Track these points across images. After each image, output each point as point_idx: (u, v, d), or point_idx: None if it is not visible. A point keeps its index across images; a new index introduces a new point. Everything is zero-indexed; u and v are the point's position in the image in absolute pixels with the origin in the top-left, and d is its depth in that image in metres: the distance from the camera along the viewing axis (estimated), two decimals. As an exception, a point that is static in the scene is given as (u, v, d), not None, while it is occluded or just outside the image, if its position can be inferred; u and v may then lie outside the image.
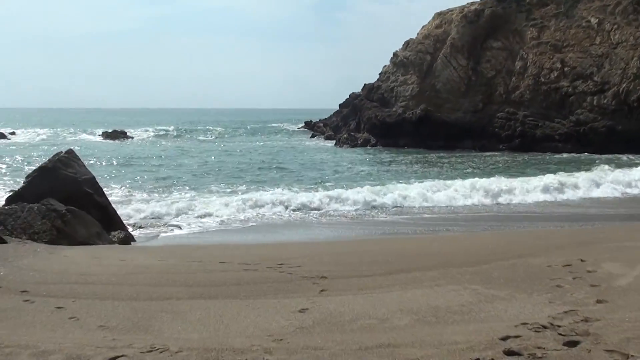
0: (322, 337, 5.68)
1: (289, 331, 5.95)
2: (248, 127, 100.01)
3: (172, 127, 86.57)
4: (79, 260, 10.23)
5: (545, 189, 23.55)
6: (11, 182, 26.38)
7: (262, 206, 20.42)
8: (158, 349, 5.08)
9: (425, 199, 21.78)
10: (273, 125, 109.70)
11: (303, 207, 20.46)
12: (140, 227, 17.13)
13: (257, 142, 62.29)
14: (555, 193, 23.34)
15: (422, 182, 25.41)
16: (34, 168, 17.34)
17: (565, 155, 42.77)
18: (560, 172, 28.20)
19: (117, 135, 67.70)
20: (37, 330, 5.96)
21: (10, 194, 16.10)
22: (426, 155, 44.09)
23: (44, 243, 12.16)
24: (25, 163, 36.53)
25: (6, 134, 67.82)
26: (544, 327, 5.66)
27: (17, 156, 41.63)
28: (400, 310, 6.61)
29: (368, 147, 50.96)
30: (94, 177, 16.55)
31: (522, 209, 20.82)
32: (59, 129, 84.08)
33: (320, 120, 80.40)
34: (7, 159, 39.13)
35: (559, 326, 5.64)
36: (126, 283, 8.24)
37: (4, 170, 32.73)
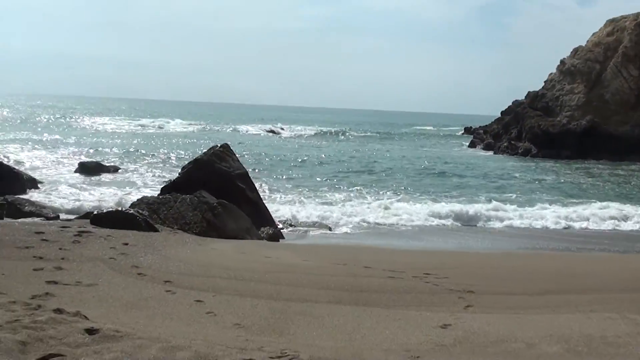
0: (462, 358, 5.24)
1: (427, 348, 5.54)
2: (404, 130, 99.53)
3: (333, 128, 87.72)
4: (225, 254, 10.34)
5: None
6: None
7: (415, 213, 20.05)
8: (288, 355, 4.86)
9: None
10: (431, 128, 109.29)
11: (469, 219, 19.85)
12: (291, 225, 17.23)
13: (422, 148, 61.40)
14: None
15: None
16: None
17: None
18: None
19: (275, 131, 70.01)
20: (173, 323, 5.94)
21: (166, 183, 16.70)
22: (594, 168, 41.54)
23: (194, 234, 12.47)
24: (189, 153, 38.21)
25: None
26: None
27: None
28: (550, 336, 6.04)
29: (528, 157, 48.87)
30: (246, 172, 16.86)
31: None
32: (225, 123, 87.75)
33: (480, 127, 78.56)
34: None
35: None
36: (268, 281, 8.16)
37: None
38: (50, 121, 73.07)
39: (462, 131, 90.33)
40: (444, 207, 20.89)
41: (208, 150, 16.84)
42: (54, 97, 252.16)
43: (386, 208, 20.45)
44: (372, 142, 65.85)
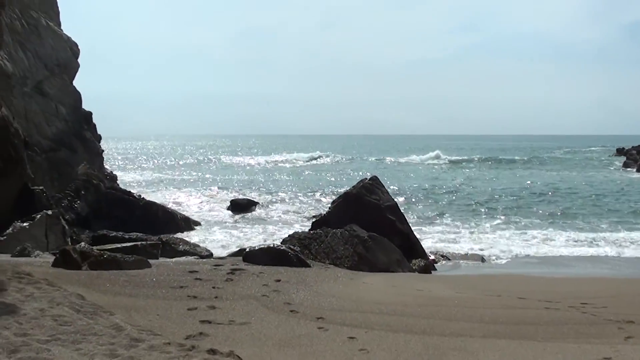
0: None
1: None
2: (554, 154, 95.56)
3: (482, 154, 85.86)
4: (376, 288, 10.19)
5: None
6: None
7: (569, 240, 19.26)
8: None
9: None
10: (581, 150, 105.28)
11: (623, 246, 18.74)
12: (442, 256, 16.88)
13: (572, 171, 58.60)
14: None
15: None
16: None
17: None
18: None
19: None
20: (325, 362, 5.85)
21: (317, 219, 16.89)
22: None
23: (345, 268, 12.42)
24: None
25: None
26: None
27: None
28: None
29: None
30: (396, 204, 16.74)
31: None
32: (375, 154, 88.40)
33: (633, 147, 74.58)
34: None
35: None
36: (420, 315, 7.92)
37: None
38: (204, 159, 76.76)
39: (614, 152, 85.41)
40: (597, 234, 20.38)
41: (357, 184, 16.92)
42: (206, 136, 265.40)
43: (537, 237, 19.99)
44: (523, 167, 63.79)
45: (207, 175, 51.05)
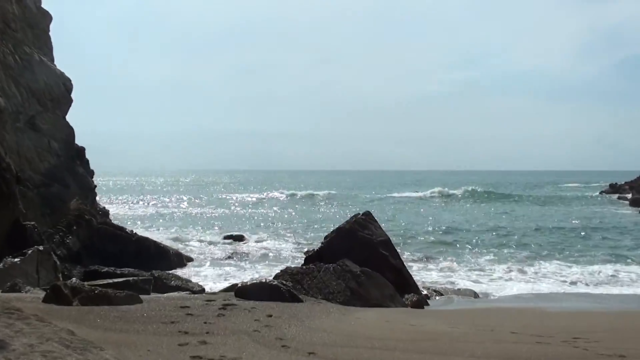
0: None
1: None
2: (547, 190, 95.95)
3: (481, 187, 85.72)
4: (369, 323, 10.20)
5: None
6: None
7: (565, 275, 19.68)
8: None
9: None
10: (575, 185, 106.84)
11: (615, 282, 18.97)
12: (435, 291, 16.89)
13: (567, 206, 58.83)
14: None
15: None
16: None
17: None
18: None
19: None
20: (316, 397, 5.85)
21: (310, 253, 16.92)
22: None
23: (338, 303, 12.42)
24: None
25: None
26: None
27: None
28: None
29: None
30: (389, 239, 16.79)
31: None
32: (372, 190, 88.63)
33: (625, 182, 75.31)
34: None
35: None
36: (413, 350, 7.94)
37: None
38: (199, 195, 76.85)
39: (606, 188, 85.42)
40: (593, 269, 20.80)
41: (350, 219, 17.01)
42: (206, 171, 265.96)
43: (530, 273, 20.35)
44: (516, 202, 64.11)
45: (201, 210, 51.07)
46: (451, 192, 77.13)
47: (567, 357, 7.63)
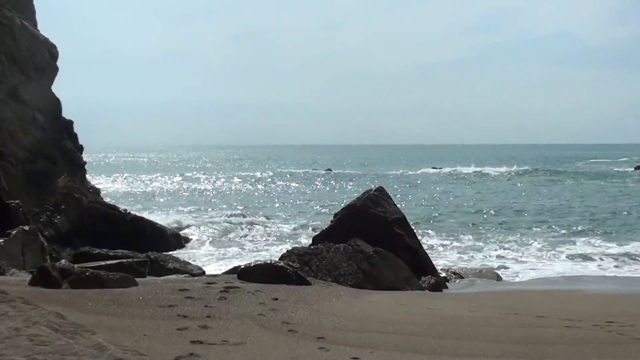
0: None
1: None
2: (578, 165, 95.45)
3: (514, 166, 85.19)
4: (382, 307, 10.22)
5: None
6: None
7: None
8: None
9: None
10: (605, 160, 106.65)
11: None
12: (455, 273, 16.87)
13: (595, 181, 58.49)
14: None
15: None
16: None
17: None
18: None
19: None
20: (327, 383, 5.88)
21: (318, 232, 16.91)
22: None
23: (349, 286, 12.43)
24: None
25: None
26: None
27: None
28: None
29: None
30: (404, 217, 16.72)
31: None
32: (389, 167, 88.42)
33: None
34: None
35: None
36: (430, 335, 7.95)
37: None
38: (201, 173, 76.98)
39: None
40: (628, 250, 20.91)
41: (362, 195, 16.90)
42: (207, 147, 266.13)
43: (557, 253, 20.33)
44: (543, 178, 63.85)
45: (201, 188, 51.18)
46: (472, 169, 77.00)
47: (600, 342, 7.61)
